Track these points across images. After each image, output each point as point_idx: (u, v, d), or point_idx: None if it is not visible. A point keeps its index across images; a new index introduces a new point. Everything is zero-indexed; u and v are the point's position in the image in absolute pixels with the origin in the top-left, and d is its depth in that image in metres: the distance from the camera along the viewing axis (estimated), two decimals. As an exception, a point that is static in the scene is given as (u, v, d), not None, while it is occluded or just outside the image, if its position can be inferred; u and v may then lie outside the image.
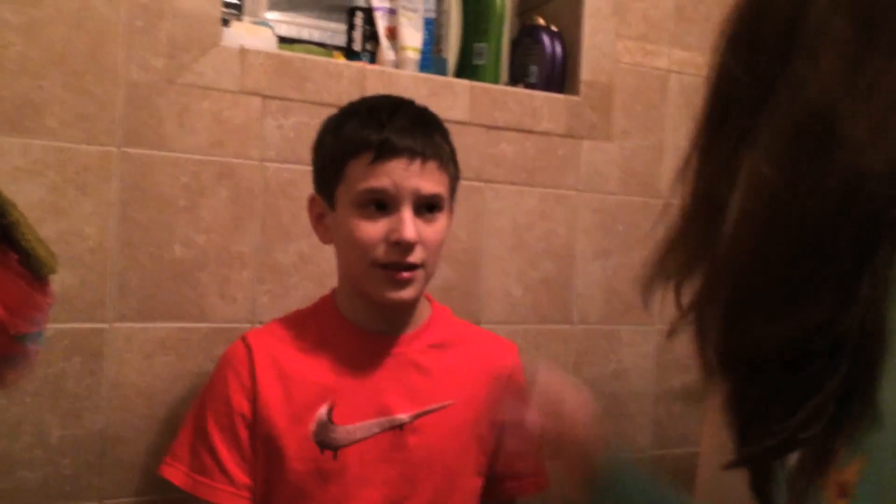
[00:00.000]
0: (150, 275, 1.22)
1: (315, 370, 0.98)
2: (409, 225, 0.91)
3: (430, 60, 1.52)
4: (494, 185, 1.51)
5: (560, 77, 1.59)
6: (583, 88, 1.59)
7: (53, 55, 1.15)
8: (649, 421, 1.68)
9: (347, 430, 0.93)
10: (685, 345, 1.79)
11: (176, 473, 1.02)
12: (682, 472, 1.68)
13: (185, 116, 1.24)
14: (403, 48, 1.46)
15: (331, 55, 1.43)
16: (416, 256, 0.94)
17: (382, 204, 0.93)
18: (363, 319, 1.00)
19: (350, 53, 1.48)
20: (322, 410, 0.95)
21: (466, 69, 1.57)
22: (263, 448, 0.97)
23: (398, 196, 0.93)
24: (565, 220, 1.58)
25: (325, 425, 0.93)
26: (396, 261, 0.93)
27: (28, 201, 1.12)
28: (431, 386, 0.98)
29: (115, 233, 1.20)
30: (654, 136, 1.67)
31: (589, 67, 1.59)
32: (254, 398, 0.96)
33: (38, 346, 0.82)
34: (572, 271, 1.59)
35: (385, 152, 0.91)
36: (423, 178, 0.93)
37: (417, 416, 0.96)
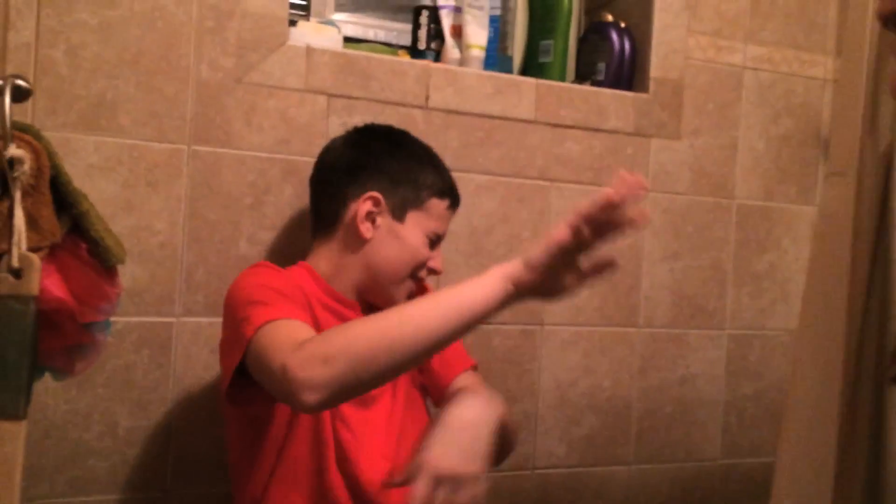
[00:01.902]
0: (217, 270, 1.24)
1: (324, 312, 1.09)
2: (442, 260, 1.19)
3: (496, 58, 1.51)
4: (559, 184, 1.48)
5: (629, 74, 1.55)
6: (652, 86, 1.54)
7: (127, 55, 1.18)
8: (719, 429, 1.62)
9: None
10: (757, 352, 1.72)
11: (257, 320, 0.93)
12: (753, 482, 1.62)
13: (252, 115, 1.26)
14: (468, 46, 1.45)
15: (396, 54, 1.43)
16: None
17: (434, 241, 1.16)
18: (352, 294, 1.14)
19: (415, 52, 1.48)
20: None
21: (532, 67, 1.55)
22: None
23: (443, 239, 1.19)
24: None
25: None
26: (422, 280, 1.18)
27: (101, 197, 1.15)
28: None
29: (183, 229, 1.23)
30: (727, 135, 1.61)
31: (659, 64, 1.55)
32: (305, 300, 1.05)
33: (107, 336, 0.84)
34: (639, 273, 1.55)
35: (455, 205, 1.18)
36: None
37: None
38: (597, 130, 1.50)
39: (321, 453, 1.04)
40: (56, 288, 0.74)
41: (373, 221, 1.12)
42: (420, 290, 1.19)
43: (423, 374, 1.20)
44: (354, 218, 1.11)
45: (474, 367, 1.23)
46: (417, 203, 1.13)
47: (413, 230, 1.13)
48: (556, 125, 1.47)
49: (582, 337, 1.50)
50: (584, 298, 1.50)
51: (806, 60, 1.67)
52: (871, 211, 0.80)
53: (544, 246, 0.82)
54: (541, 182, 1.47)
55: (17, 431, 0.71)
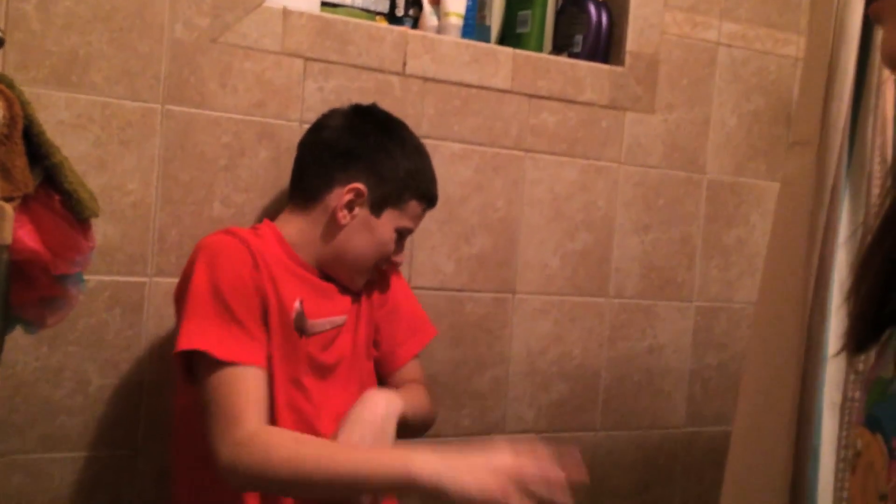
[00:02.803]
0: (190, 231, 1.24)
1: (283, 273, 1.11)
2: (403, 255, 1.25)
3: (473, 27, 1.51)
4: (534, 154, 1.49)
5: (605, 47, 1.57)
6: (628, 59, 1.56)
7: (100, 11, 1.17)
8: (683, 398, 1.66)
9: (311, 322, 1.13)
10: (723, 324, 1.76)
11: (204, 341, 1.00)
12: (715, 450, 1.66)
13: (227, 76, 1.25)
14: (447, 14, 1.45)
15: (374, 20, 1.43)
16: None
17: (403, 235, 1.21)
18: (313, 264, 1.17)
19: (393, 18, 1.47)
20: (297, 303, 1.11)
21: (509, 37, 1.55)
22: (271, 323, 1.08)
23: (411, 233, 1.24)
24: (605, 193, 1.56)
25: (301, 315, 1.11)
26: (381, 267, 1.22)
27: (72, 155, 1.12)
28: (342, 307, 1.20)
29: (156, 189, 1.22)
30: (700, 110, 1.64)
31: (635, 38, 1.56)
32: (259, 281, 1.07)
33: (80, 290, 0.84)
34: (610, 244, 1.57)
35: (431, 207, 1.24)
36: None
37: (344, 322, 1.19)
38: (572, 102, 1.51)
39: (281, 422, 1.06)
40: (29, 238, 0.74)
41: (350, 210, 1.15)
42: (380, 275, 1.24)
43: (376, 348, 1.25)
44: (335, 204, 1.14)
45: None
46: (398, 203, 1.18)
47: (386, 226, 1.18)
48: (532, 96, 1.48)
49: (553, 306, 1.53)
50: (556, 268, 1.52)
51: (779, 39, 1.69)
52: (831, 181, 0.82)
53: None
54: (516, 152, 1.48)
55: (-12, 380, 0.71)
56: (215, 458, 0.97)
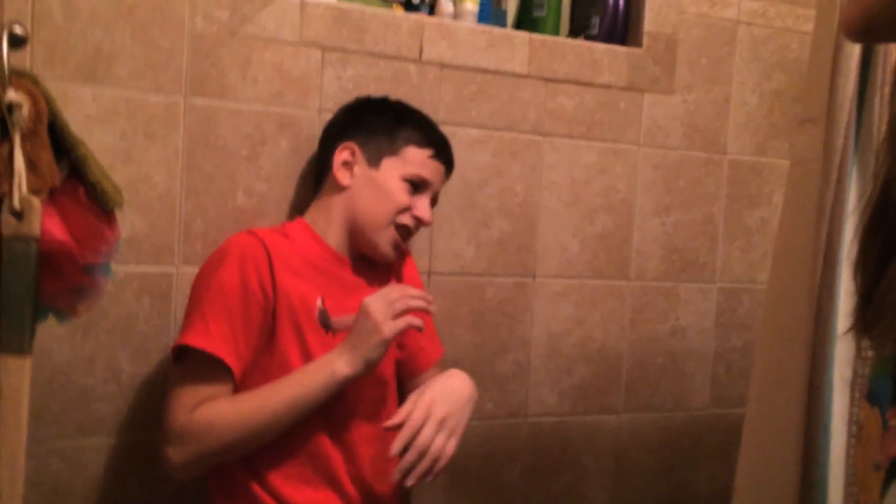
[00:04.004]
0: (215, 221, 1.27)
1: (308, 271, 1.15)
2: (430, 211, 1.22)
3: (489, 12, 1.51)
4: (552, 138, 1.50)
5: (622, 29, 1.56)
6: (646, 40, 1.55)
7: (122, 7, 1.20)
8: (707, 379, 1.66)
9: (335, 319, 1.14)
10: (746, 305, 1.74)
11: (196, 338, 1.05)
12: (739, 431, 1.66)
13: (246, 68, 1.27)
14: (462, 0, 1.45)
15: (390, 7, 1.44)
16: (415, 232, 1.23)
17: (417, 186, 1.20)
18: (342, 248, 1.20)
19: (409, 6, 1.48)
20: (319, 301, 1.13)
21: (526, 21, 1.55)
22: (281, 323, 1.10)
23: (430, 188, 1.22)
24: (625, 175, 1.56)
25: (323, 313, 1.13)
26: (409, 229, 1.21)
27: (99, 148, 1.16)
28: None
29: (181, 180, 1.25)
30: (720, 89, 1.62)
31: (653, 18, 1.55)
32: (273, 284, 1.10)
33: (106, 279, 0.87)
34: (631, 227, 1.57)
35: (441, 157, 1.23)
36: (441, 185, 1.26)
37: None
38: (590, 85, 1.51)
39: (313, 413, 1.08)
40: (56, 230, 0.77)
41: (350, 170, 1.18)
42: (404, 246, 1.23)
43: (401, 350, 1.25)
44: (336, 170, 1.18)
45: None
46: (392, 150, 1.18)
47: (388, 174, 1.18)
48: (549, 79, 1.48)
49: (573, 289, 1.53)
50: (576, 252, 1.53)
51: (800, 15, 1.67)
52: (838, 158, 0.82)
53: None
54: (533, 136, 1.48)
55: (23, 365, 0.74)
56: (161, 446, 1.07)
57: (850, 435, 0.71)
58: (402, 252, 1.24)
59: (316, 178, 1.27)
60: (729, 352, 1.67)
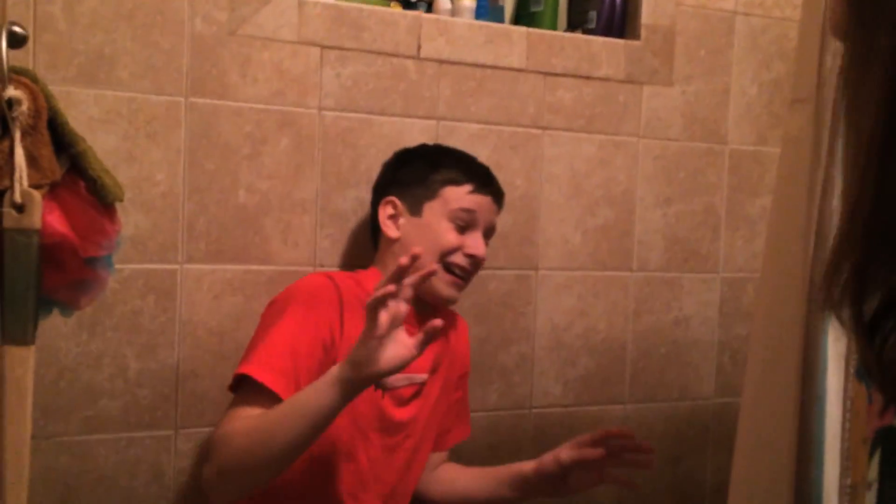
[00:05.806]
0: (217, 219, 1.29)
1: None
2: (483, 245, 1.23)
3: (487, 8, 1.52)
4: (552, 132, 1.51)
5: (620, 21, 1.57)
6: (643, 33, 1.56)
7: (122, 9, 1.22)
8: (712, 369, 1.66)
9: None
10: (750, 294, 1.73)
11: (258, 370, 1.07)
12: (745, 420, 1.66)
13: (246, 67, 1.29)
14: (459, -4, 1.47)
15: (388, 5, 1.45)
16: (476, 269, 1.24)
17: (465, 225, 1.21)
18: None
19: (407, 3, 1.49)
20: None
21: (523, 16, 1.56)
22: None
23: (480, 222, 1.23)
24: (625, 167, 1.56)
25: None
26: (464, 268, 1.21)
27: (102, 149, 1.17)
28: (423, 363, 1.18)
29: (183, 179, 1.27)
30: (719, 80, 1.63)
31: (650, 11, 1.56)
32: (340, 328, 1.13)
33: (109, 273, 0.88)
34: (633, 218, 1.58)
35: (483, 190, 1.24)
36: (494, 216, 1.27)
37: (424, 381, 1.21)
38: (588, 78, 1.52)
39: (337, 467, 1.14)
40: (58, 223, 0.79)
41: (395, 222, 1.23)
42: (459, 283, 1.22)
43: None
44: (381, 223, 1.23)
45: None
46: (430, 195, 1.22)
47: (431, 219, 1.21)
48: (547, 73, 1.49)
49: (576, 281, 1.54)
50: (578, 244, 1.54)
51: (797, 5, 1.65)
52: (827, 138, 0.82)
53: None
54: (533, 130, 1.49)
55: (26, 356, 0.76)
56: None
57: (845, 410, 0.71)
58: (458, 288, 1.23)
59: (371, 236, 1.31)
60: (733, 341, 1.67)
